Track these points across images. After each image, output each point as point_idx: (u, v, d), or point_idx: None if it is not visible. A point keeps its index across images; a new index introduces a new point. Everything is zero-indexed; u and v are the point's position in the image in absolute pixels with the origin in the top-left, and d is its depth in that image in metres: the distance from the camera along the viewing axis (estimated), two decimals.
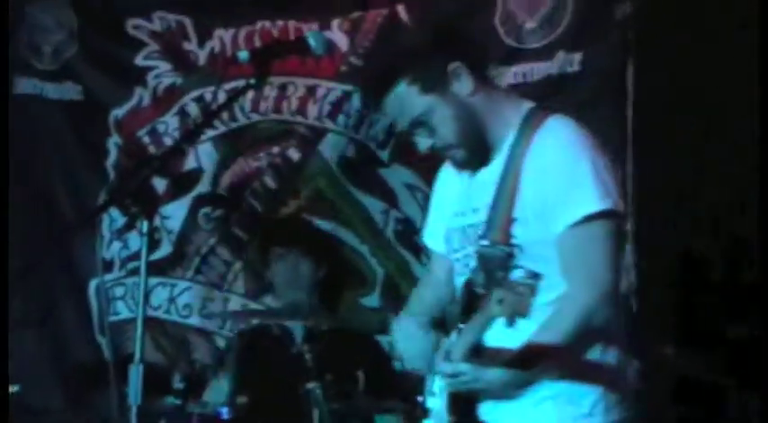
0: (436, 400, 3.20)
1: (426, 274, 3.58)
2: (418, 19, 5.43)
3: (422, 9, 5.42)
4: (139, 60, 5.86)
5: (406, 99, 3.16)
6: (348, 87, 5.55)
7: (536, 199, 3.07)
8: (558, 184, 3.05)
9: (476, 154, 3.20)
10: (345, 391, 4.62)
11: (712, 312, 4.85)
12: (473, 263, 3.15)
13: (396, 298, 5.37)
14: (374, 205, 5.53)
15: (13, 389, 5.02)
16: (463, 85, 3.16)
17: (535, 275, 2.90)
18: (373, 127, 5.54)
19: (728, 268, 4.92)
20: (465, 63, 3.16)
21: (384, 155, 5.53)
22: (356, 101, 5.55)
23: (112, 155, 5.85)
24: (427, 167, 5.02)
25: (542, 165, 3.08)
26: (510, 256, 3.03)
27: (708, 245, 4.90)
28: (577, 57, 5.13)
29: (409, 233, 5.42)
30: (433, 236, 3.45)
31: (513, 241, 3.07)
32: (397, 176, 5.47)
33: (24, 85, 5.97)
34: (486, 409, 3.16)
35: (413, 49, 3.26)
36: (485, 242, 3.09)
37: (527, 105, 3.23)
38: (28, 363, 5.71)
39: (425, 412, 3.22)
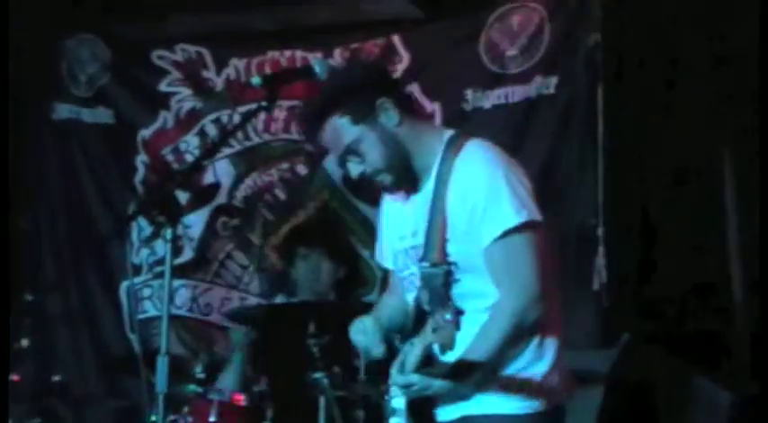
0: (400, 400, 3.20)
1: (390, 284, 3.60)
2: (411, 48, 5.46)
3: (414, 39, 5.49)
4: (163, 87, 5.90)
5: (339, 129, 3.19)
6: None
7: (462, 219, 3.12)
8: (478, 203, 3.09)
9: (402, 178, 3.24)
10: (349, 379, 4.45)
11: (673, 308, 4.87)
12: (418, 282, 3.21)
13: None
14: (373, 213, 5.25)
15: (56, 378, 5.08)
16: (390, 116, 3.19)
17: (458, 313, 2.99)
18: None
19: (687, 270, 4.89)
20: (391, 98, 3.21)
21: None
22: None
23: (140, 171, 5.89)
24: None
25: (464, 188, 3.12)
26: (449, 273, 3.07)
27: (668, 250, 4.91)
28: (553, 80, 5.18)
29: None
30: (382, 256, 3.48)
31: (450, 259, 3.11)
32: None
33: (63, 111, 5.98)
34: (441, 409, 3.23)
35: (344, 87, 3.28)
36: (425, 264, 3.13)
37: (448, 133, 3.27)
38: (69, 355, 5.79)
39: (393, 411, 3.22)
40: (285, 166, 5.70)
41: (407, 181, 3.24)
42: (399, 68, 5.49)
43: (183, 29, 5.88)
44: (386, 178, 3.23)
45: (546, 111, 5.15)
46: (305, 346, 4.53)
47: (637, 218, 4.98)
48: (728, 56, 4.89)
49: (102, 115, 5.94)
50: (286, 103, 5.60)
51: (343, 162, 3.27)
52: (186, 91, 5.87)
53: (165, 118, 5.88)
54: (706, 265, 4.91)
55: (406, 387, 3.09)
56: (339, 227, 5.59)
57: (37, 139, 5.98)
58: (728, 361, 4.74)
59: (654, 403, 4.65)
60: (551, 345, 3.19)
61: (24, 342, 5.02)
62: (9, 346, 4.81)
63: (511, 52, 5.25)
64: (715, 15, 4.89)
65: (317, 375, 4.41)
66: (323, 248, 5.19)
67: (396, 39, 5.51)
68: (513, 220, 3.06)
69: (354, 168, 3.24)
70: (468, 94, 5.22)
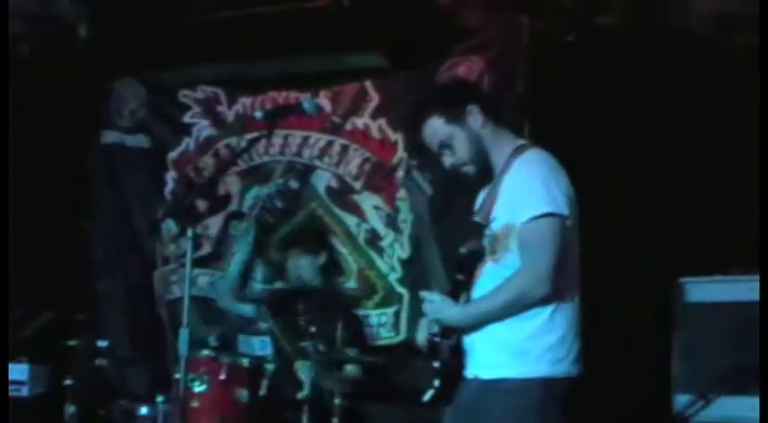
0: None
1: None
2: (380, 91, 5.58)
3: (382, 84, 5.64)
4: (187, 118, 6.05)
5: (436, 127, 3.36)
6: (330, 137, 5.74)
7: (506, 202, 3.27)
8: (519, 193, 3.23)
9: (482, 171, 3.38)
10: (329, 345, 4.72)
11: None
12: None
13: (365, 283, 5.59)
14: (350, 220, 5.68)
15: (103, 343, 5.19)
16: (476, 120, 3.35)
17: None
18: (348, 165, 5.69)
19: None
20: (479, 106, 3.36)
21: (357, 185, 5.67)
22: (336, 146, 5.72)
23: (169, 184, 6.03)
24: (387, 195, 5.44)
25: (513, 180, 3.28)
26: (482, 226, 3.25)
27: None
28: None
29: (374, 239, 5.59)
30: None
31: (489, 232, 3.26)
32: (367, 200, 5.64)
33: (110, 137, 6.16)
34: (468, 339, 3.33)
35: (442, 94, 3.51)
36: (476, 217, 3.32)
37: (520, 141, 3.42)
38: (114, 326, 5.92)
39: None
40: (281, 181, 5.74)
41: (486, 174, 3.39)
42: (371, 106, 5.63)
43: (203, 75, 6.03)
44: (470, 169, 3.38)
45: None
46: (297, 321, 4.80)
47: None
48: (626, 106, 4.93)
49: (141, 141, 6.12)
50: (282, 132, 5.73)
51: (438, 154, 3.40)
52: (205, 122, 6.01)
53: (188, 143, 6.03)
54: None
55: (430, 302, 3.26)
56: (319, 227, 5.64)
57: (91, 159, 6.12)
58: None
59: None
60: (562, 320, 3.21)
61: (80, 316, 5.14)
62: (8, 347, 4.98)
63: None
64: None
65: (304, 344, 4.66)
66: (299, 247, 5.34)
67: (368, 83, 5.67)
68: (541, 209, 3.16)
69: (447, 160, 3.39)
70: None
